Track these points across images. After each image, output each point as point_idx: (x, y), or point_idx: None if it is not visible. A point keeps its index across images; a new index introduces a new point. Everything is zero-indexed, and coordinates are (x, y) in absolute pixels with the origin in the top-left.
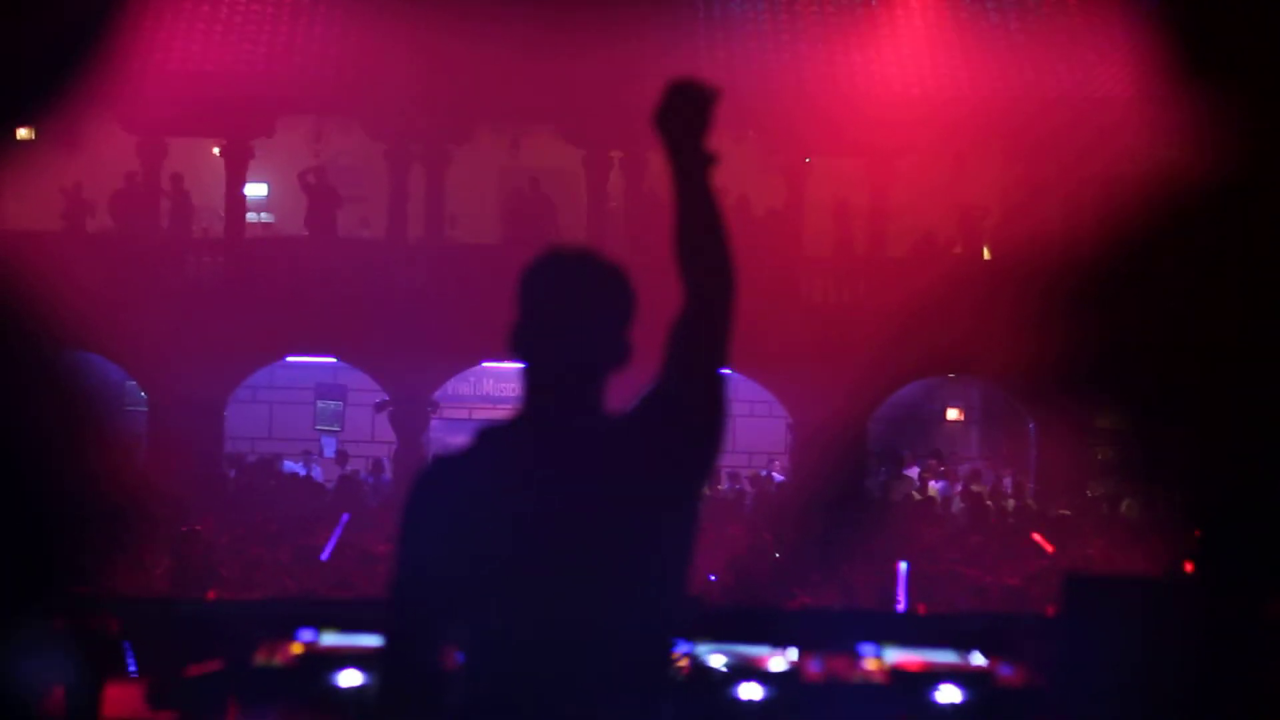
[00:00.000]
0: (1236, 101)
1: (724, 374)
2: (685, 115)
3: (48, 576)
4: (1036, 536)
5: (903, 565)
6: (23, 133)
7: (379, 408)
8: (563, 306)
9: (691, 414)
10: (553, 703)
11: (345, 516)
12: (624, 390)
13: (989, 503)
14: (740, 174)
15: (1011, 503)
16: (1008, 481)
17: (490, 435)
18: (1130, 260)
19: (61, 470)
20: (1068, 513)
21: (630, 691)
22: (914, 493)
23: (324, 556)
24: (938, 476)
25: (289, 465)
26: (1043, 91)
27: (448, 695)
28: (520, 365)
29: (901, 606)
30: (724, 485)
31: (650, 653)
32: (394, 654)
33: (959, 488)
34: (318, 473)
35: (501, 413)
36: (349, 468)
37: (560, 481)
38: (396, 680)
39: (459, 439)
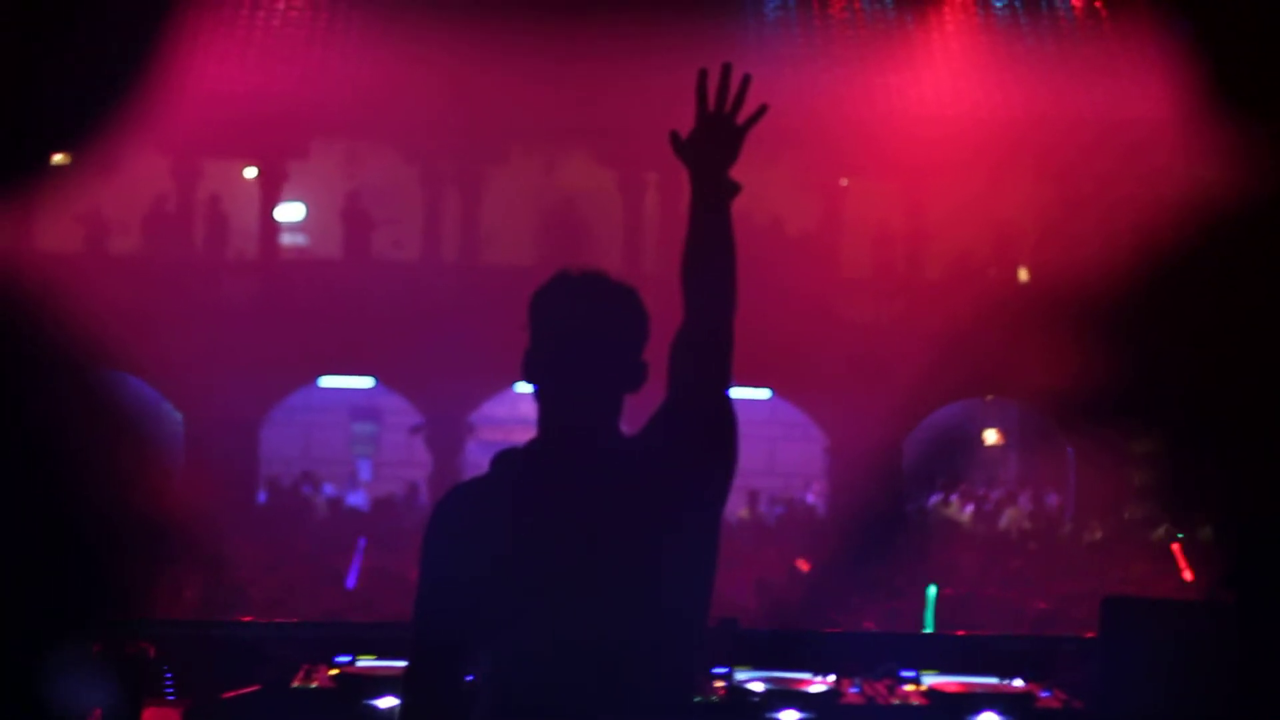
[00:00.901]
0: (1268, 123)
1: (729, 393)
2: (715, 145)
3: (87, 600)
4: (1176, 549)
5: (932, 589)
6: (59, 158)
7: (414, 431)
8: (573, 330)
9: (698, 433)
10: None
11: (362, 542)
12: (645, 409)
13: (1028, 525)
14: (775, 195)
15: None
16: (1025, 502)
17: (507, 460)
18: (1165, 282)
19: (100, 492)
20: (1099, 535)
21: (654, 710)
22: (955, 517)
23: (350, 584)
24: (976, 500)
25: (328, 489)
26: (1077, 111)
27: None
28: (533, 390)
29: (927, 630)
30: (762, 509)
31: (673, 671)
32: (419, 677)
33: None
34: (360, 497)
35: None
36: (385, 491)
37: (577, 504)
38: (421, 703)
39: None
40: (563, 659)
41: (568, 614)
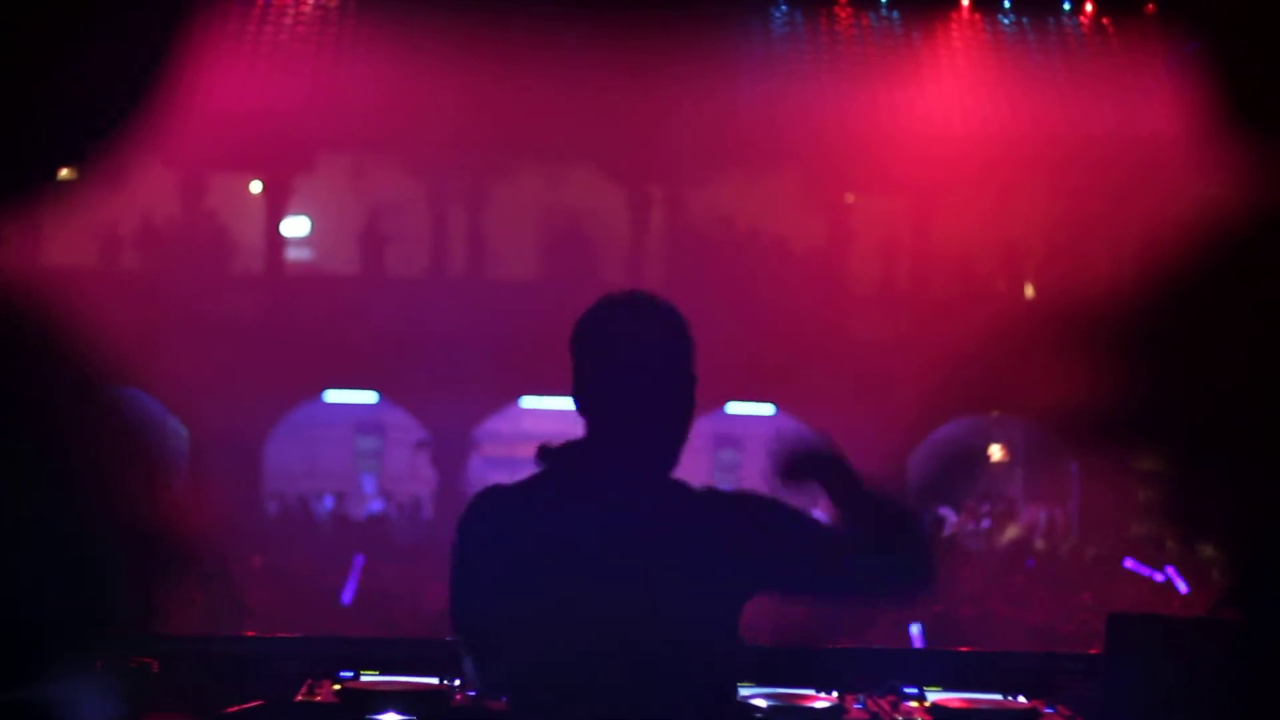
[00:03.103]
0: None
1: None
2: (825, 470)
3: (90, 615)
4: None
5: (915, 628)
6: (66, 172)
7: (418, 446)
8: (622, 354)
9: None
10: None
11: (359, 560)
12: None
13: (1031, 541)
14: (782, 212)
15: (1067, 544)
16: (1028, 518)
17: (548, 472)
18: (1175, 300)
19: (105, 507)
20: (1104, 551)
21: None
22: (959, 533)
23: (346, 600)
24: (981, 517)
25: (328, 502)
26: (1086, 128)
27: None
28: (579, 413)
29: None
30: None
31: (700, 702)
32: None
33: (987, 524)
34: (375, 507)
35: None
36: (383, 506)
37: (614, 529)
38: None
39: (498, 476)
40: (582, 677)
41: (591, 632)
